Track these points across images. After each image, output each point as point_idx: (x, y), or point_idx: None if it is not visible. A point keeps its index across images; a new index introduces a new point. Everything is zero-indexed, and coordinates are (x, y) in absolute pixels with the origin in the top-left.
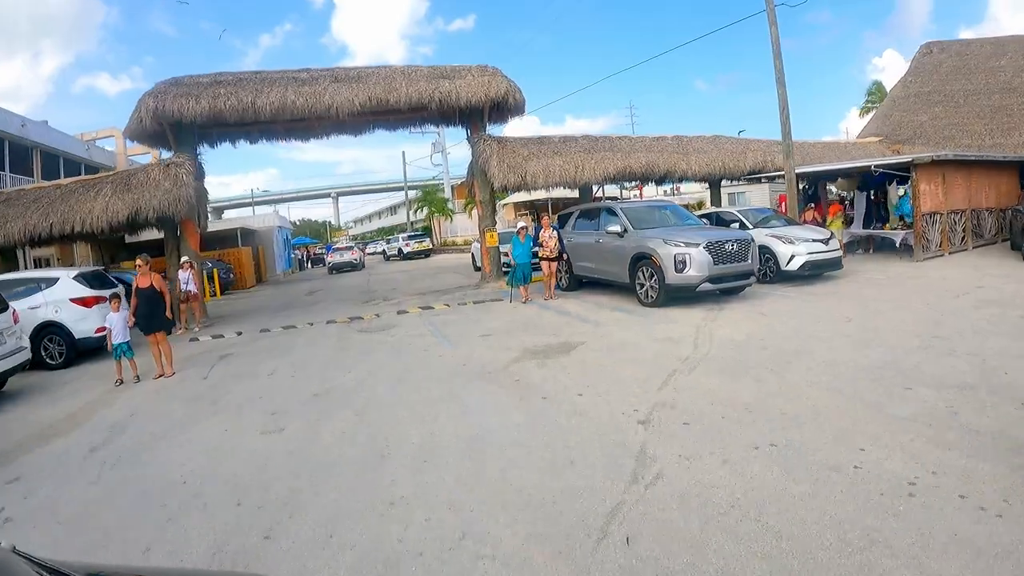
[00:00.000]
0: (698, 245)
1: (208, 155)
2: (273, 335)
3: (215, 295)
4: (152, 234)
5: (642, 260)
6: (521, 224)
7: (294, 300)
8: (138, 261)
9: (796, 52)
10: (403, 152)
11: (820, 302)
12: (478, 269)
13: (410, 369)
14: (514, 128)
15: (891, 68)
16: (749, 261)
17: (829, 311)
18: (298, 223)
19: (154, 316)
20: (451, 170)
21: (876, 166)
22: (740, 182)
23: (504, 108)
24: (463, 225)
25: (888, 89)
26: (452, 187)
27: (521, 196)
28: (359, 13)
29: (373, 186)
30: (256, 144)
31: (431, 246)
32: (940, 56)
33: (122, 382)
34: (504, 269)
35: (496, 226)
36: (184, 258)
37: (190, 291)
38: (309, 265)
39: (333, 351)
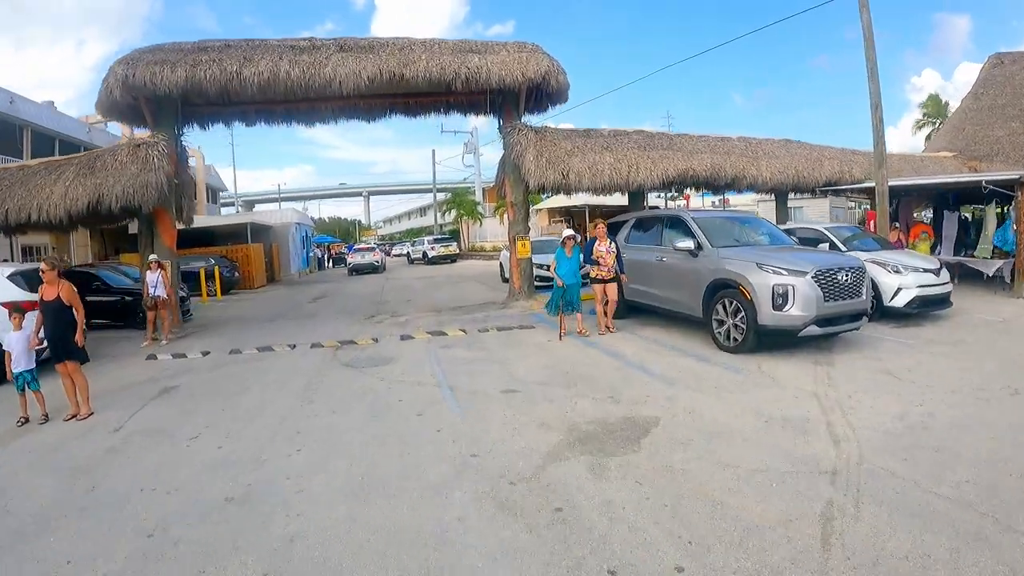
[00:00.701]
0: (805, 274)
1: (241, 145)
2: (241, 360)
3: (214, 295)
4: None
5: (724, 290)
6: (568, 232)
7: (293, 308)
8: (42, 265)
9: (828, 69)
10: (432, 151)
11: (953, 356)
12: (506, 281)
13: (388, 455)
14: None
15: (929, 87)
16: (863, 296)
17: (977, 372)
18: (328, 220)
19: (62, 339)
20: (483, 173)
21: (987, 182)
22: (803, 195)
23: (544, 93)
24: (493, 230)
25: (944, 102)
26: (483, 190)
27: (557, 201)
28: (399, 15)
29: (404, 186)
30: (254, 127)
31: (458, 251)
32: (1012, 67)
33: (27, 420)
34: (537, 284)
35: (529, 233)
36: (152, 256)
37: (158, 297)
38: (330, 265)
39: (296, 400)
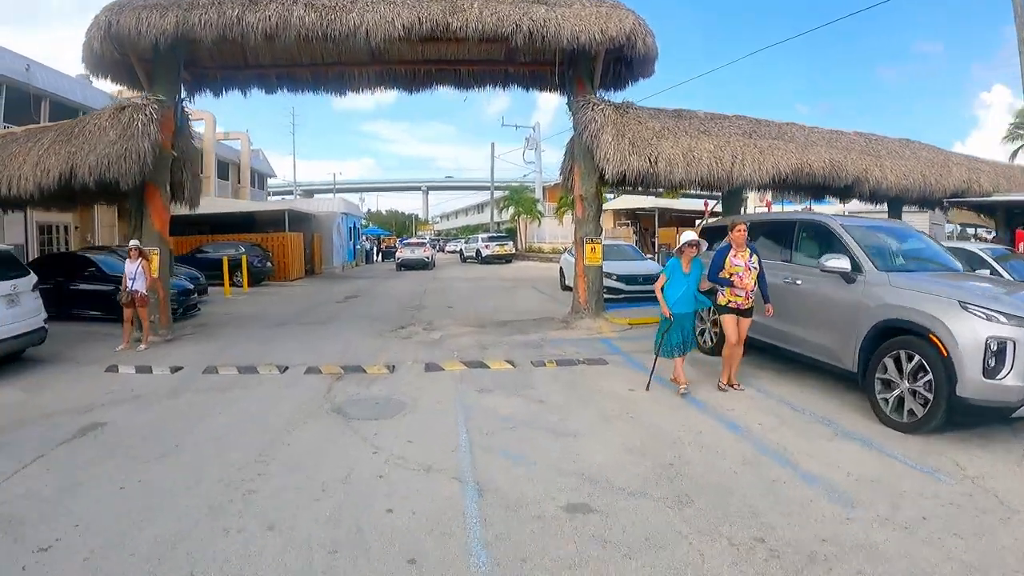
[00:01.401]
0: None
1: (302, 135)
2: (209, 387)
3: (240, 286)
4: (212, 205)
5: (898, 337)
6: (690, 236)
7: (316, 307)
8: None
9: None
10: (492, 144)
11: None
12: (566, 289)
13: None
14: None
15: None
16: None
17: None
18: (385, 213)
19: None
20: (544, 172)
21: None
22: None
23: (624, 63)
24: (552, 231)
25: None
26: (543, 189)
27: (623, 202)
28: None
29: (463, 182)
30: (275, 94)
31: (513, 251)
32: None
33: None
34: (607, 296)
35: (602, 235)
36: (132, 243)
37: (136, 292)
38: (379, 258)
39: (225, 490)
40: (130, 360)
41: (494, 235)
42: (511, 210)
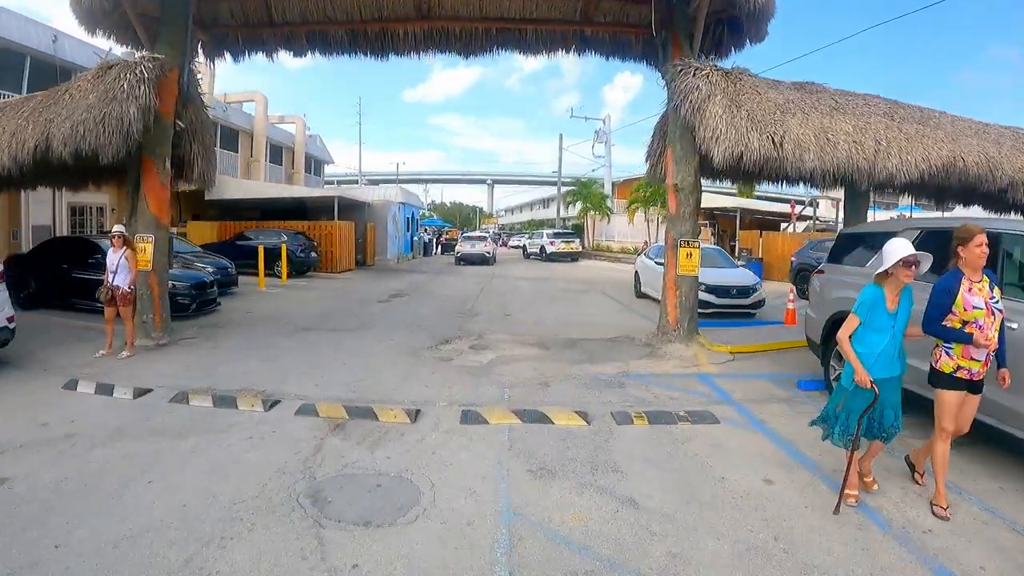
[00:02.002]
0: None
1: (369, 125)
2: (160, 430)
3: (280, 277)
4: (246, 189)
5: None
6: (903, 250)
7: (353, 308)
8: None
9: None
10: (560, 135)
11: None
12: (642, 296)
13: None
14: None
15: None
16: None
17: None
18: (449, 205)
19: None
20: (612, 167)
21: None
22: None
23: (729, 22)
24: (621, 229)
25: None
26: (613, 184)
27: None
28: None
29: (528, 177)
30: (304, 56)
31: (579, 249)
32: None
33: None
34: (701, 311)
35: (700, 236)
36: (116, 228)
37: (116, 288)
38: (437, 251)
39: None
40: (99, 373)
41: (560, 231)
42: (578, 206)
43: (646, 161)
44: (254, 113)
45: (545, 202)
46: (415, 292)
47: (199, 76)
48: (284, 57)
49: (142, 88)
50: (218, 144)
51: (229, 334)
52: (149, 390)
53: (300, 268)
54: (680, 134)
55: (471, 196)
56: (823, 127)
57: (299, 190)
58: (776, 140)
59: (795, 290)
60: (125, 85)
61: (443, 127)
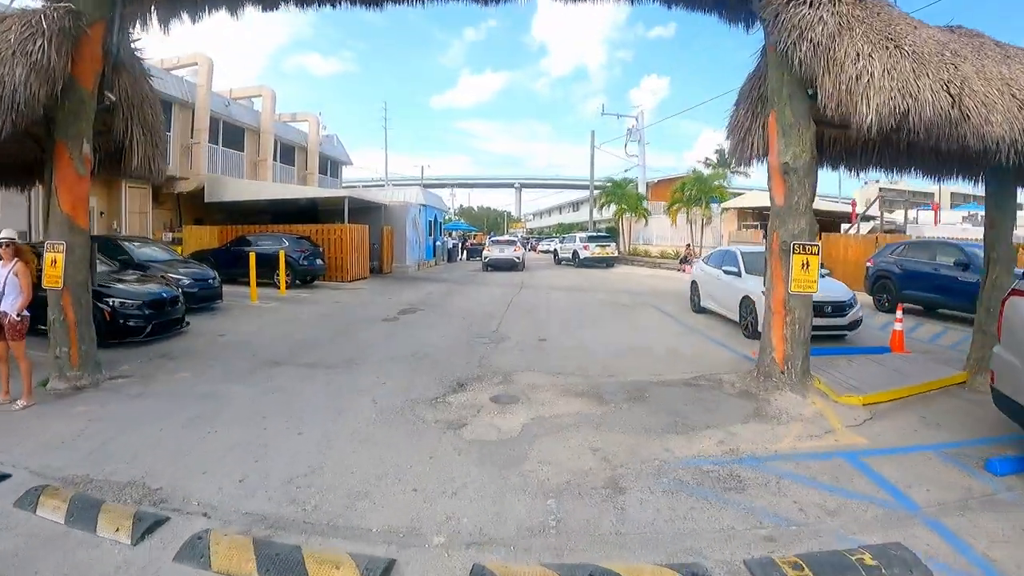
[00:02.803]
0: None
1: (394, 129)
2: None
3: (278, 288)
4: (241, 191)
5: None
6: None
7: (345, 331)
8: None
9: None
10: (591, 132)
11: None
12: (701, 311)
13: None
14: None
15: None
16: None
17: None
18: (476, 209)
19: None
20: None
21: None
22: None
23: None
24: (660, 232)
25: None
26: (647, 185)
27: (750, 199)
28: (559, 15)
29: (556, 180)
30: (276, 9)
31: (615, 253)
32: None
33: None
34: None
35: (722, 240)
36: (3, 234)
37: (3, 316)
38: (462, 256)
39: None
40: None
41: (594, 234)
42: (612, 207)
43: (727, 138)
44: (260, 108)
45: (574, 205)
46: (431, 307)
47: (137, 37)
48: (253, 12)
49: (39, 43)
50: (220, 142)
51: (174, 372)
52: (6, 476)
53: (303, 277)
54: (790, 93)
55: (499, 200)
56: (1004, 79)
57: (302, 190)
58: (953, 92)
59: (875, 302)
60: (13, 38)
61: (470, 132)
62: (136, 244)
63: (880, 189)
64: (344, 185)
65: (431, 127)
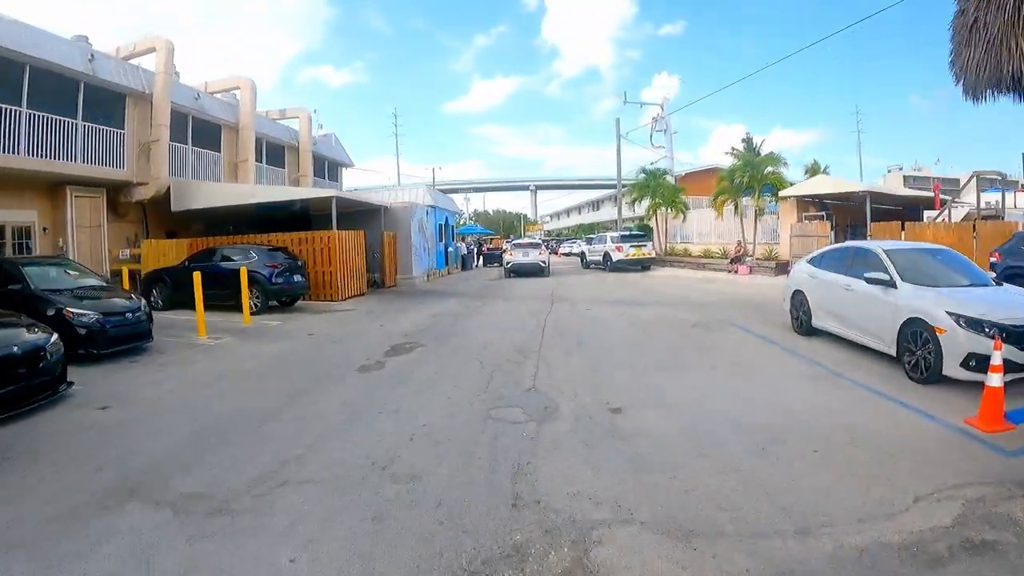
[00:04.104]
0: None
1: (412, 139)
2: None
3: (258, 310)
4: (216, 195)
5: None
6: None
7: (304, 392)
8: None
9: None
10: (616, 120)
11: None
12: (812, 332)
13: None
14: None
15: None
16: None
17: None
18: (492, 213)
19: None
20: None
21: None
22: None
23: None
24: (701, 228)
25: None
26: (675, 179)
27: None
28: (568, 17)
29: (573, 181)
30: None
31: (653, 254)
32: None
33: None
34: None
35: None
36: None
37: None
38: (478, 262)
39: None
40: None
41: (627, 234)
42: (645, 202)
43: (955, 72)
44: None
45: (593, 204)
46: (435, 339)
47: None
48: None
49: None
50: (190, 140)
51: None
52: None
53: (278, 297)
54: None
55: (513, 203)
56: None
57: (278, 191)
58: None
59: None
60: None
61: (484, 136)
62: (36, 267)
63: (975, 172)
64: (347, 190)
65: (445, 134)
